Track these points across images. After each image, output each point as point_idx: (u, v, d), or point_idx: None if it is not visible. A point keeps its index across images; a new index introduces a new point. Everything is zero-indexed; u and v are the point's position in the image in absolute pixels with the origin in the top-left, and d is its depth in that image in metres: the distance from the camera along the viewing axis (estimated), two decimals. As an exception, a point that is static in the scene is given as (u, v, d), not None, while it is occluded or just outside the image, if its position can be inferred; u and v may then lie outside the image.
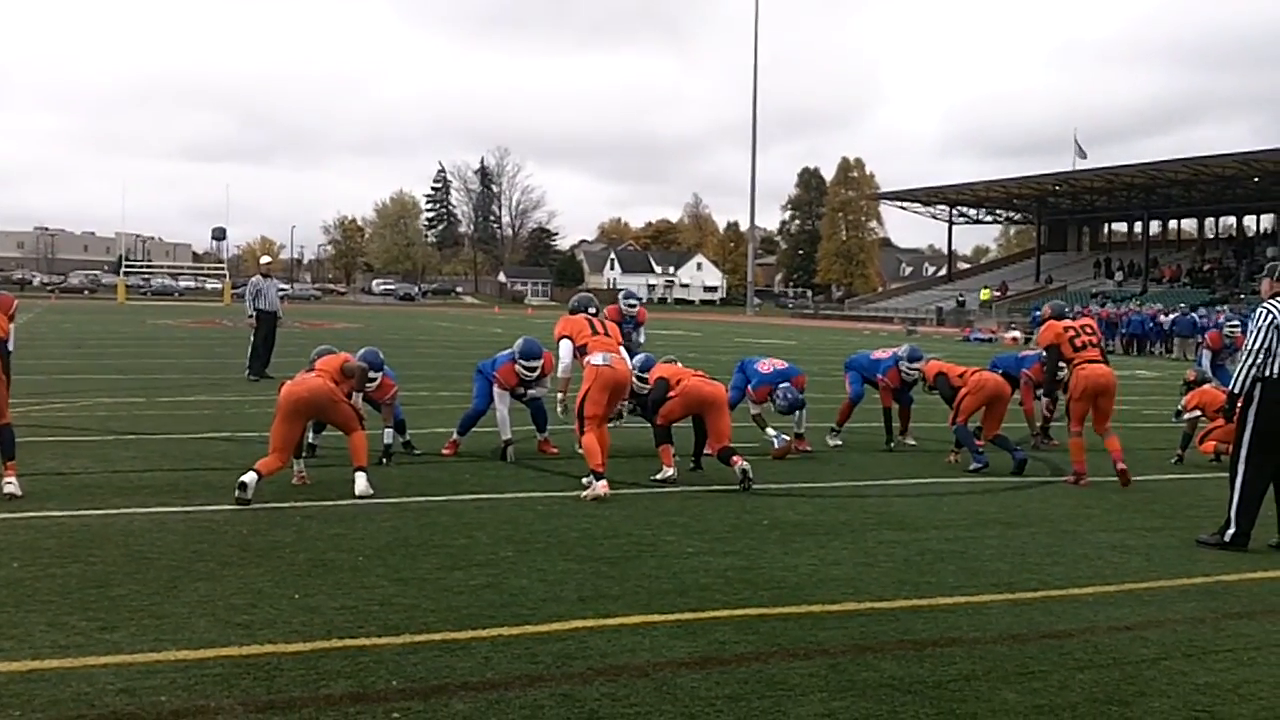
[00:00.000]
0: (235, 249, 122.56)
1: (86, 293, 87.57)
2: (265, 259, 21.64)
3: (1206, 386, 13.13)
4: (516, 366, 11.09)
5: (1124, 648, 5.62)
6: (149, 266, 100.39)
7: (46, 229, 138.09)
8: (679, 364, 11.01)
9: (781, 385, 11.85)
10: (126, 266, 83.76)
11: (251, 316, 19.18)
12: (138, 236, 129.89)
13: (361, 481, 8.79)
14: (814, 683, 4.91)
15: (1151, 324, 44.76)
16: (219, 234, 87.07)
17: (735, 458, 9.66)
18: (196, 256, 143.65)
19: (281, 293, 20.11)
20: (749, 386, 12.28)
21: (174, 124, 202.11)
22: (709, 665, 5.11)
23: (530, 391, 11.31)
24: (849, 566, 7.06)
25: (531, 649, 5.24)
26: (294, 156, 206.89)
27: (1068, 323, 11.07)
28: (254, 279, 20.04)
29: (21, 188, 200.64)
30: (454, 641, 5.30)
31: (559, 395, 9.99)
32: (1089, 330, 10.94)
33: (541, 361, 11.15)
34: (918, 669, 5.16)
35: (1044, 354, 11.54)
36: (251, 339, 19.24)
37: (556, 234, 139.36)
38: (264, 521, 7.77)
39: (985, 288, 77.12)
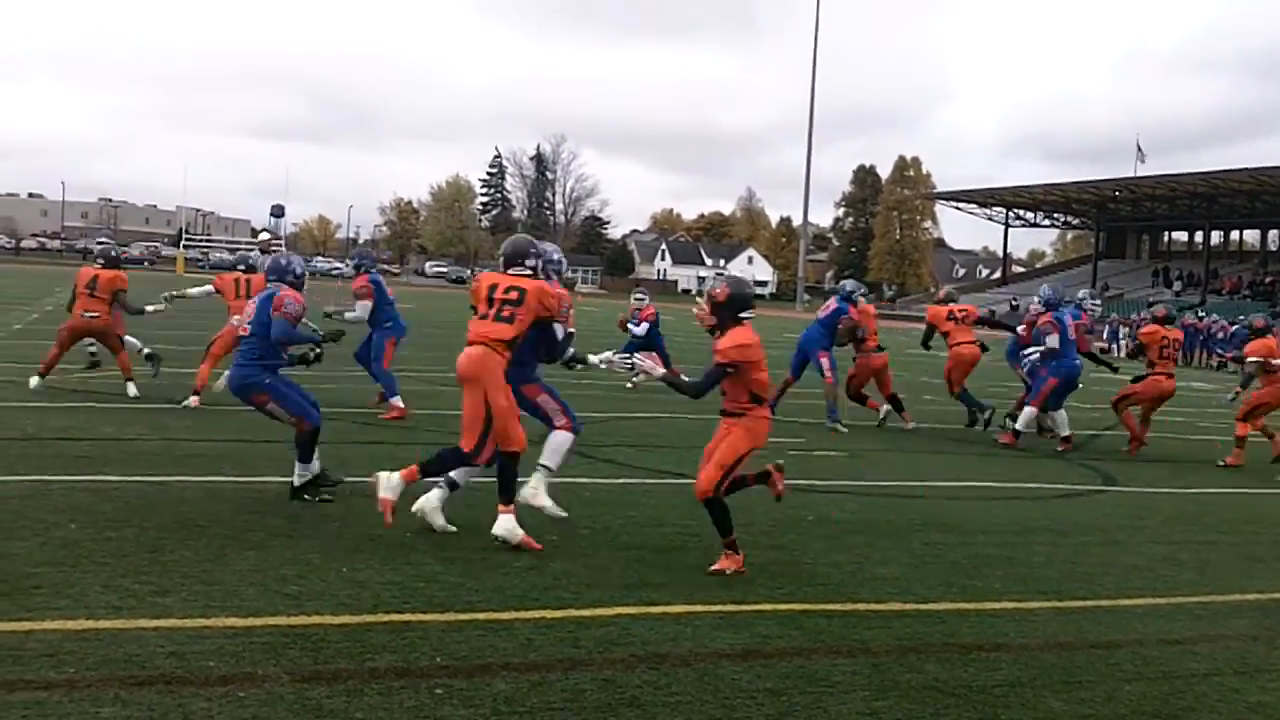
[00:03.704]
0: (293, 226, 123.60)
1: (147, 264, 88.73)
2: (264, 234, 21.71)
3: (1269, 338, 13.34)
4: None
5: (1174, 661, 5.55)
6: (208, 240, 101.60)
7: (110, 200, 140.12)
8: None
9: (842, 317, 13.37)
10: (186, 240, 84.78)
11: None
12: (198, 210, 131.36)
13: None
14: (856, 681, 4.89)
15: (1208, 335, 44.02)
16: (277, 211, 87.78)
17: None
18: (254, 233, 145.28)
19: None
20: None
21: (239, 102, 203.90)
22: (751, 658, 5.10)
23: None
24: (895, 566, 7.02)
25: (574, 632, 5.26)
26: (355, 138, 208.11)
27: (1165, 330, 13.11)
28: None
29: (89, 160, 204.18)
30: (497, 621, 5.33)
31: None
32: (1176, 344, 12.57)
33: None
34: (962, 672, 5.12)
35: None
36: None
37: (609, 223, 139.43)
38: (314, 495, 7.84)
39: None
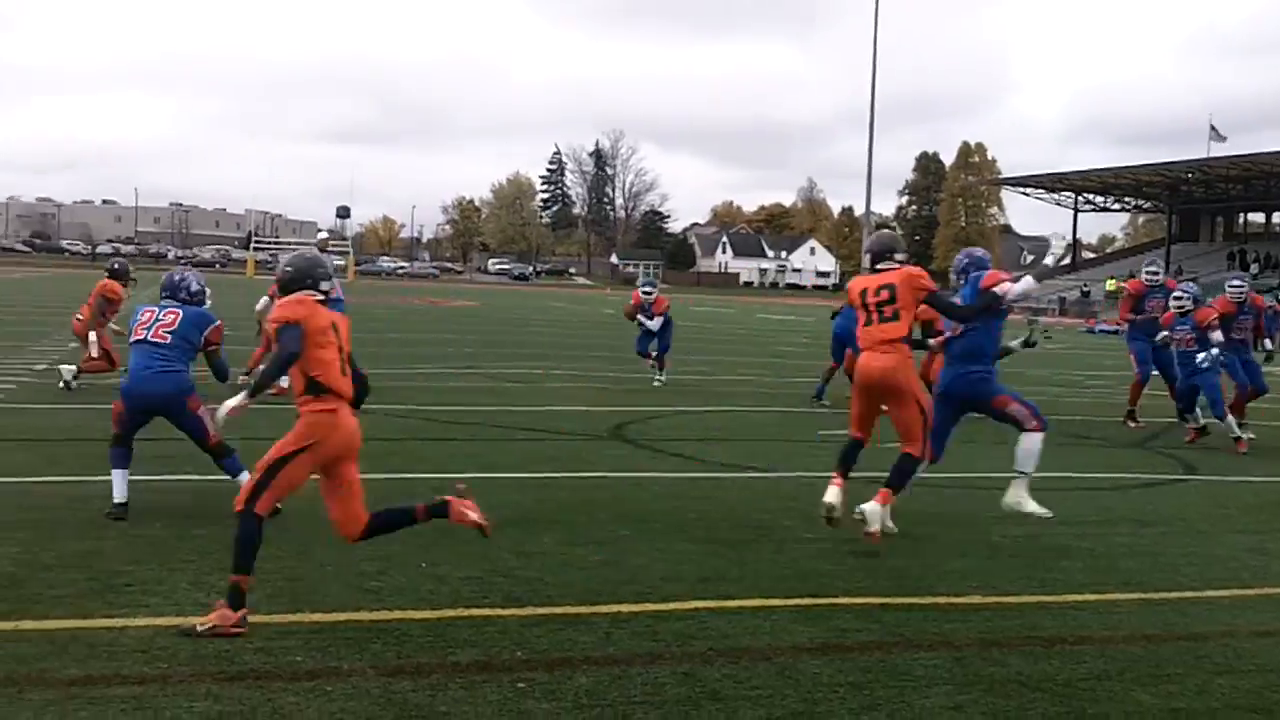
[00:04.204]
0: (359, 227, 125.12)
1: (218, 266, 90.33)
2: (321, 234, 21.97)
3: None
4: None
5: (1266, 654, 5.42)
6: (276, 242, 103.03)
7: (181, 205, 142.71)
8: None
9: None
10: (255, 242, 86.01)
11: None
12: (266, 213, 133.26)
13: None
14: (939, 675, 4.85)
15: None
16: (343, 212, 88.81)
17: None
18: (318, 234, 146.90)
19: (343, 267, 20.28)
20: None
21: (305, 107, 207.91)
22: (830, 652, 5.08)
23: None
24: (973, 559, 6.95)
25: (652, 626, 5.27)
26: (418, 140, 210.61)
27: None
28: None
29: (160, 167, 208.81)
30: (576, 616, 5.36)
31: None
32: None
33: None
34: (1046, 666, 5.06)
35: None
36: None
37: (669, 217, 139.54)
38: (392, 492, 7.89)
39: (1111, 278, 74.96)
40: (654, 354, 16.40)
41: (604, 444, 10.76)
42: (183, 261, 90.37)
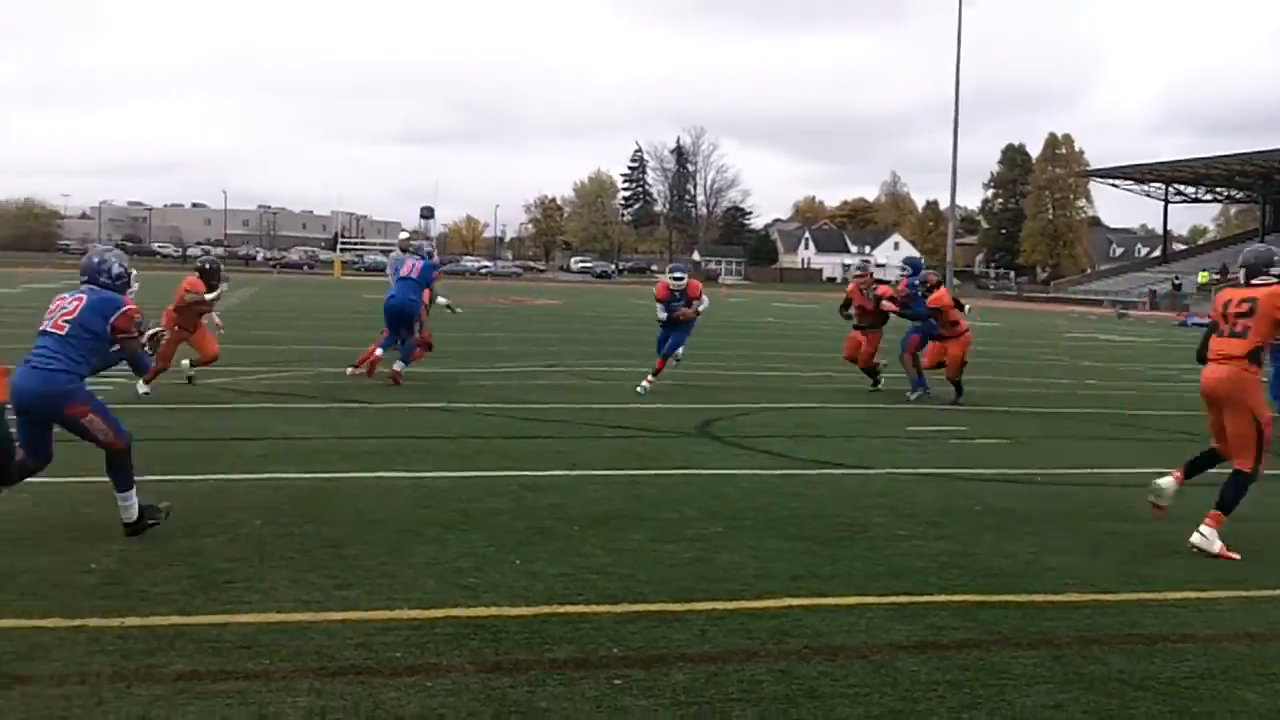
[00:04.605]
0: (442, 227, 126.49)
1: (305, 268, 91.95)
2: (404, 234, 22.13)
3: None
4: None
5: (1378, 653, 5.27)
6: (362, 243, 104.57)
7: (269, 207, 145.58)
8: None
9: None
10: (341, 244, 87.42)
11: None
12: (351, 215, 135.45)
13: None
14: (1039, 673, 4.78)
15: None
16: (427, 213, 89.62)
17: None
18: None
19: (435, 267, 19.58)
20: None
21: (389, 110, 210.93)
22: (927, 650, 5.03)
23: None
24: (1070, 556, 6.83)
25: (746, 624, 5.27)
26: (500, 140, 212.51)
27: None
28: (394, 253, 20.55)
29: (247, 170, 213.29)
30: (670, 613, 5.37)
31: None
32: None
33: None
34: (1148, 664, 4.96)
35: None
36: None
37: (750, 213, 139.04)
38: (482, 490, 8.03)
39: (1204, 270, 73.20)
40: (668, 355, 14.63)
41: (691, 441, 10.76)
42: (271, 263, 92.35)
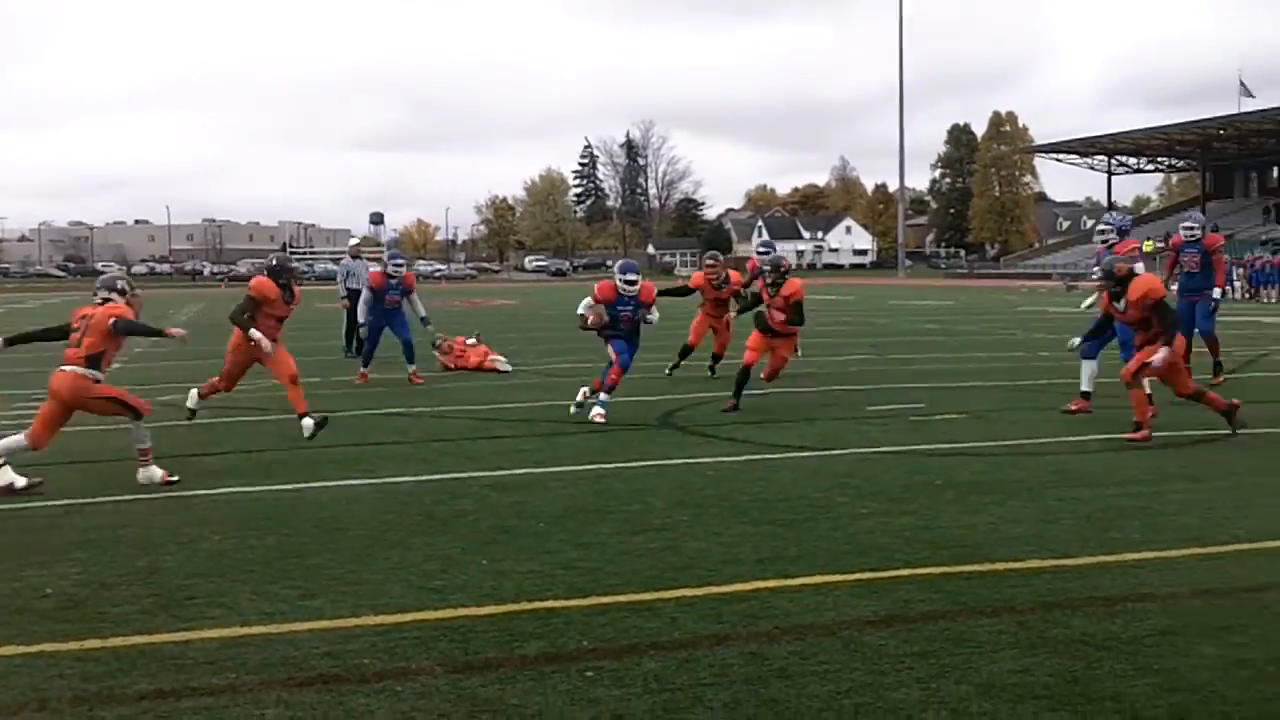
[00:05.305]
0: (393, 232, 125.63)
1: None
2: (353, 240, 22.02)
3: None
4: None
5: (1332, 600, 5.37)
6: (312, 253, 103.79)
7: (214, 220, 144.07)
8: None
9: None
10: (291, 253, 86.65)
11: (344, 297, 19.13)
12: (299, 224, 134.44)
13: None
14: (1004, 639, 4.84)
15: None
16: (376, 218, 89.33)
17: None
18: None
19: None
20: None
21: (333, 116, 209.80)
22: (895, 623, 5.07)
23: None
24: (1030, 524, 6.91)
25: (716, 609, 5.29)
26: (450, 142, 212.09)
27: None
28: (344, 260, 20.42)
29: (191, 183, 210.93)
30: (640, 603, 5.38)
31: None
32: None
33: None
34: (1110, 625, 5.03)
35: None
36: (345, 319, 19.35)
37: (703, 204, 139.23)
38: (446, 492, 8.00)
39: (1148, 239, 73.78)
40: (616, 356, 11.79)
41: (654, 432, 10.77)
42: (219, 277, 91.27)
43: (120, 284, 8.93)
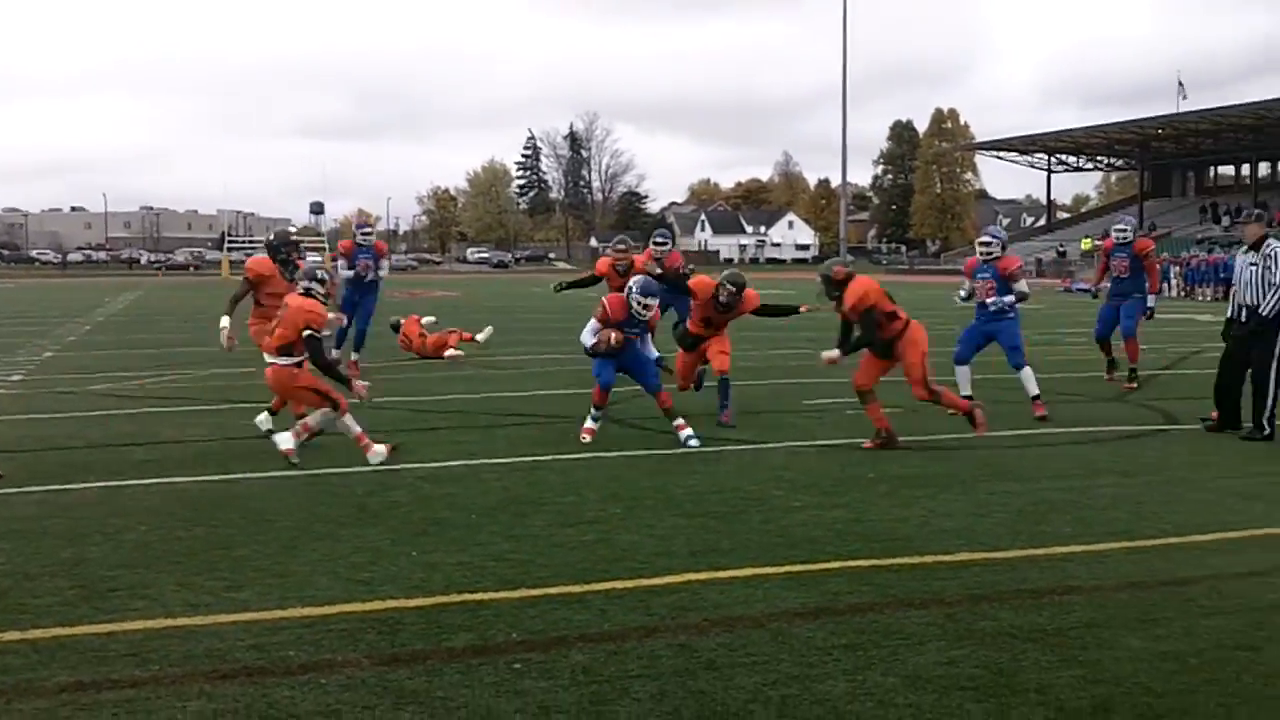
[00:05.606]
0: (334, 222, 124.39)
1: (192, 269, 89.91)
2: (291, 229, 21.84)
3: None
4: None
5: (1252, 593, 5.48)
6: (251, 242, 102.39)
7: (151, 208, 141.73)
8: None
9: None
10: (229, 242, 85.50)
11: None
12: (238, 213, 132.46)
13: None
14: (932, 631, 4.88)
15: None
16: (317, 208, 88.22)
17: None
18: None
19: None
20: None
21: (274, 104, 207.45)
22: (823, 615, 5.10)
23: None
24: (961, 518, 6.98)
25: (646, 601, 5.28)
26: (392, 132, 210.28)
27: None
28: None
29: (129, 171, 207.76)
30: (569, 595, 5.37)
31: None
32: None
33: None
34: (1036, 617, 5.09)
35: None
36: None
37: (647, 197, 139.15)
38: (378, 484, 7.93)
39: (1086, 237, 75.17)
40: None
41: (590, 425, 10.72)
42: (156, 265, 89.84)
43: (320, 273, 9.03)
